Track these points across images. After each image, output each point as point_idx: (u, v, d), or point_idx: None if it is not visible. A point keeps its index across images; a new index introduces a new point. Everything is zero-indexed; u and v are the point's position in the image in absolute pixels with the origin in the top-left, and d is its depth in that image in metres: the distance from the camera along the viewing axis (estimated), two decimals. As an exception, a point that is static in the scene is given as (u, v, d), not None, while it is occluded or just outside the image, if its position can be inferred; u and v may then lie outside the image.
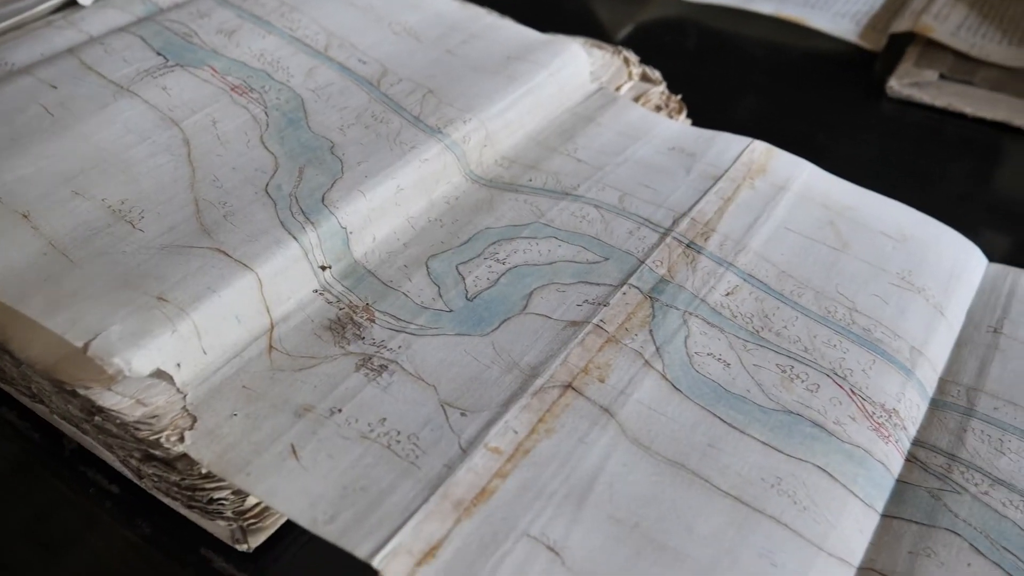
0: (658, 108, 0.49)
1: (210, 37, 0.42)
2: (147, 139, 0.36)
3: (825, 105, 0.55)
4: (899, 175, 0.49)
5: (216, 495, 0.28)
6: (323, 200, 0.34)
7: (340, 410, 0.29)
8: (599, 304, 0.34)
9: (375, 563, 0.24)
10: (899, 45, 0.58)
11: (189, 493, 0.28)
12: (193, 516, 0.30)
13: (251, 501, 0.29)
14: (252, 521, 0.29)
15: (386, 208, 0.36)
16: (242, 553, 0.29)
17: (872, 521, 0.30)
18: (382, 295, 0.34)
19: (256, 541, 0.29)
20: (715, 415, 0.31)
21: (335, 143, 0.38)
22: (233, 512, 0.28)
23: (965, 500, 0.31)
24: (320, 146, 0.37)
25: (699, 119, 0.48)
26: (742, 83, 0.57)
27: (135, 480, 0.30)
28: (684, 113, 0.50)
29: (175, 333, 0.29)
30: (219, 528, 0.29)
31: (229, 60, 0.41)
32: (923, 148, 0.51)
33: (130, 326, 0.29)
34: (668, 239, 0.37)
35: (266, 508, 0.29)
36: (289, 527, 0.30)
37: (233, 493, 0.28)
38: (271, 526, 0.29)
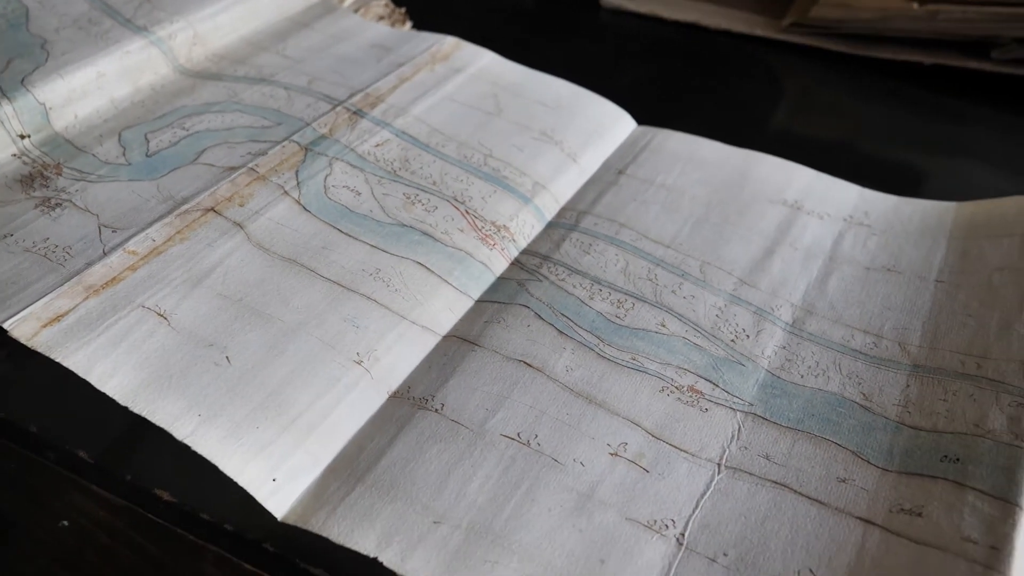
0: (380, 18, 0.56)
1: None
2: None
3: (548, 18, 0.63)
4: (596, 67, 0.56)
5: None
6: (23, 82, 0.41)
7: (12, 235, 0.36)
8: (258, 155, 0.41)
9: (6, 326, 0.31)
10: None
11: None
12: None
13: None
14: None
15: (88, 90, 0.43)
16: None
17: (465, 304, 0.38)
18: (73, 156, 0.40)
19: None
20: (335, 228, 0.38)
21: (47, 40, 0.44)
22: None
23: (543, 285, 0.38)
24: (33, 43, 0.44)
25: (429, 30, 0.55)
26: (483, 5, 0.64)
27: None
28: (408, 25, 0.57)
29: None
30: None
31: (-35, -19, 0.47)
32: (624, 47, 0.59)
33: None
34: (338, 108, 0.45)
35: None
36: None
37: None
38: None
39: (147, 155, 0.40)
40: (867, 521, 0.29)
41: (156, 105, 0.43)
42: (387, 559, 0.27)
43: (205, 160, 0.40)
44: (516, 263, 0.39)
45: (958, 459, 0.30)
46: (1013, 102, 0.53)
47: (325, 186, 0.39)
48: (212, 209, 0.37)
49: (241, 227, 0.36)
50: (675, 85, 0.55)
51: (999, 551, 0.26)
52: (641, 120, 0.48)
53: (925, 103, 0.54)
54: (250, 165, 0.39)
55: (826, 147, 0.50)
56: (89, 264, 0.33)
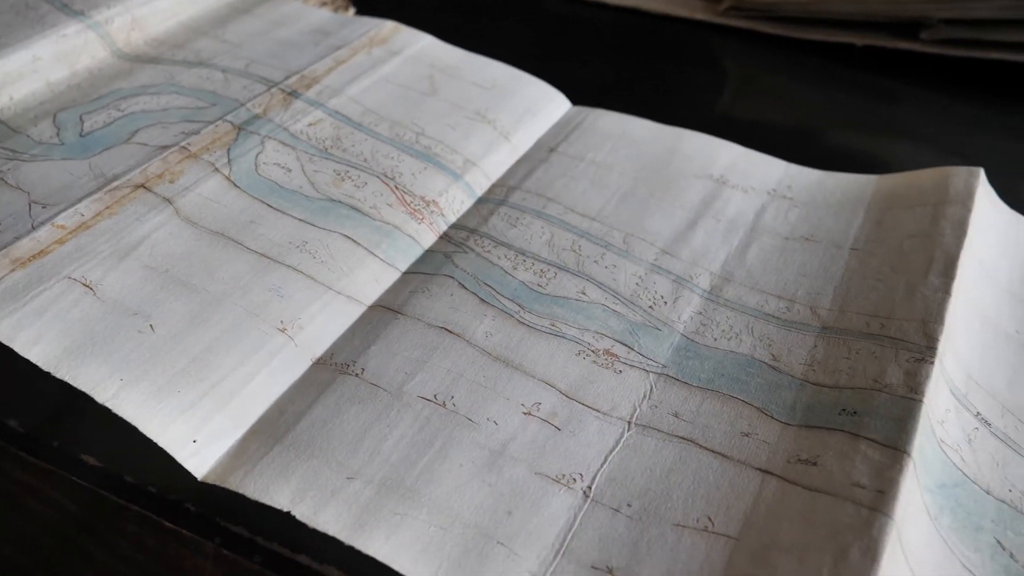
0: (323, 4, 0.57)
1: None
2: None
3: (492, 3, 0.64)
4: (537, 51, 0.58)
5: None
6: (-43, 65, 0.42)
7: (-58, 212, 0.37)
8: (191, 134, 0.42)
9: (-70, 297, 0.32)
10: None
11: None
12: None
13: None
14: None
15: (23, 74, 0.44)
16: None
17: (392, 276, 0.39)
18: (7, 136, 0.41)
19: None
20: (264, 203, 0.39)
21: (-16, 26, 0.45)
22: None
23: (469, 256, 0.39)
24: (-31, 28, 0.45)
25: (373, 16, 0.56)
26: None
27: None
28: (352, 11, 0.58)
29: None
30: None
31: (-96, -32, 0.48)
32: (565, 32, 0.60)
33: None
34: (274, 89, 0.46)
35: None
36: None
37: None
38: None
39: (81, 135, 0.40)
40: (766, 471, 0.30)
41: (92, 88, 0.44)
42: (299, 512, 0.28)
43: (138, 140, 0.40)
44: (444, 237, 0.40)
45: (855, 412, 0.31)
46: (942, 81, 0.55)
47: (256, 163, 0.40)
48: (142, 185, 0.38)
49: (170, 202, 0.37)
50: (615, 68, 0.56)
51: (885, 494, 0.27)
52: (580, 102, 0.49)
53: (858, 83, 0.56)
54: (182, 144, 0.40)
55: (761, 127, 0.52)
56: (17, 238, 0.34)
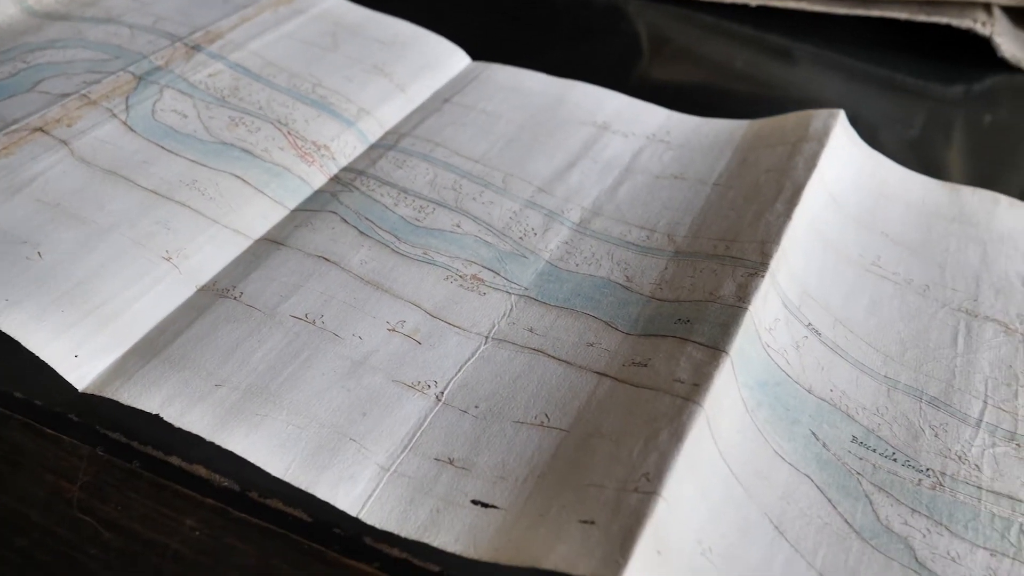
0: (237, -31, 0.59)
1: None
2: None
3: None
4: (449, 13, 0.60)
5: None
6: None
7: None
8: (92, 83, 0.44)
9: None
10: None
11: None
12: None
13: None
14: None
15: (-67, 29, 0.46)
16: None
17: (280, 213, 0.41)
18: (-85, 87, 0.43)
19: None
20: (159, 145, 0.42)
21: None
22: None
23: (353, 195, 0.42)
24: None
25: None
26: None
27: None
28: (268, -25, 0.60)
29: None
30: None
31: None
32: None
33: None
34: (177, 43, 0.48)
35: None
36: None
37: None
38: None
39: (-15, 85, 0.43)
40: (602, 374, 0.33)
41: (1, 42, 0.46)
42: (167, 414, 0.31)
43: (41, 89, 0.43)
44: (334, 179, 0.43)
45: (689, 320, 0.34)
46: (828, 37, 0.58)
47: (153, 110, 0.42)
48: (40, 129, 0.40)
49: (66, 144, 0.39)
50: (518, 27, 0.59)
51: (699, 387, 0.30)
52: (482, 59, 0.52)
53: (751, 40, 0.59)
54: (83, 92, 0.42)
55: (658, 82, 0.54)
56: (-89, 176, 0.36)
